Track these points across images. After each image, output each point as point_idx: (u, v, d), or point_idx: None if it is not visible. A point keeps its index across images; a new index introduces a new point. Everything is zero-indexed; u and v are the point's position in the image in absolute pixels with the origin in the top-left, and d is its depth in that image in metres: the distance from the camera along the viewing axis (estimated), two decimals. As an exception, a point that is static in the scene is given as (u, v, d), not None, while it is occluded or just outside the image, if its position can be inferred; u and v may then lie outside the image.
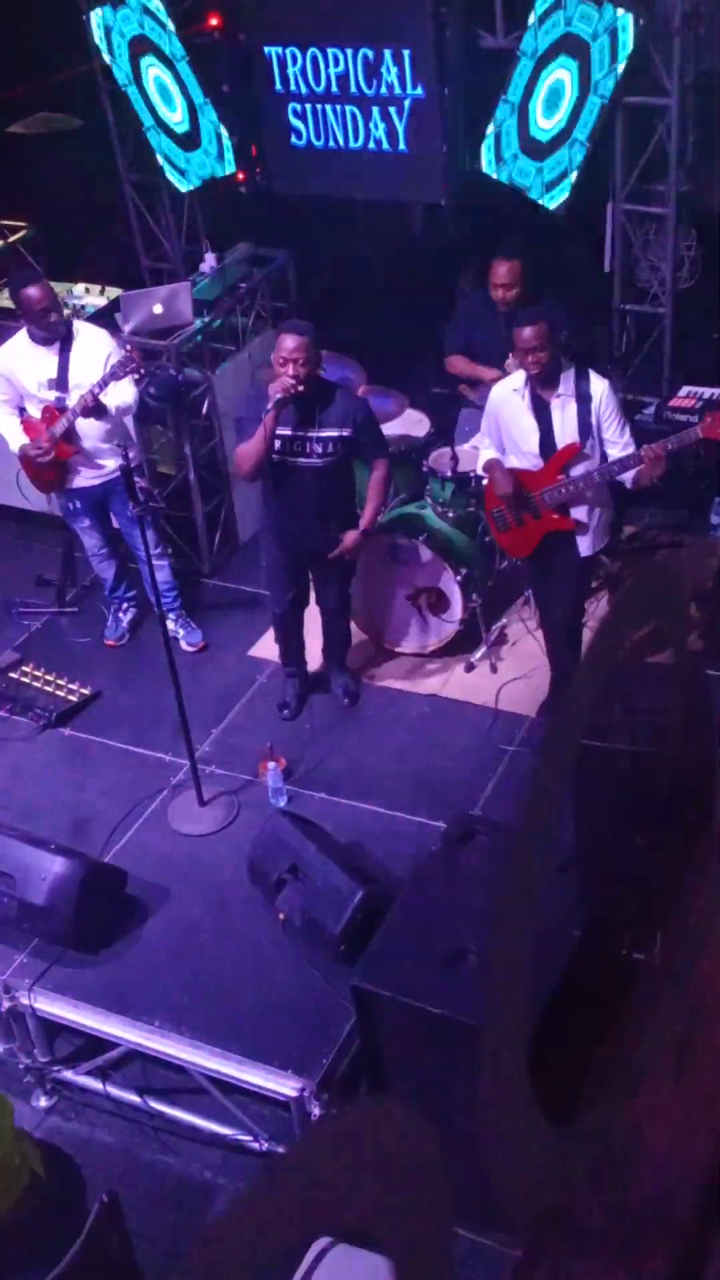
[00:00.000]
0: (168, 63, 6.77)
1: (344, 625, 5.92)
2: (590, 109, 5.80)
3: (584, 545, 5.16)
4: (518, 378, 5.04)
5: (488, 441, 5.30)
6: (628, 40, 5.54)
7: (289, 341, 5.01)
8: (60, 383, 5.73)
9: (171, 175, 7.13)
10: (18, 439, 5.86)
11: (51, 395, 5.75)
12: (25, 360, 5.76)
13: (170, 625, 6.22)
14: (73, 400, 5.67)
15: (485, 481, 5.37)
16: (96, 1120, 4.60)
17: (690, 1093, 1.73)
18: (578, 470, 4.99)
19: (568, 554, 5.19)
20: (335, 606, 5.78)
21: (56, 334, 5.72)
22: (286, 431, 5.18)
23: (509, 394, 5.06)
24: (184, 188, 7.18)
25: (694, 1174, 1.76)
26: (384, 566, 5.93)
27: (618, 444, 4.97)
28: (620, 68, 5.63)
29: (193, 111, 6.87)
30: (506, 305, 6.01)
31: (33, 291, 5.61)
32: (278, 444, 5.19)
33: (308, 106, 6.61)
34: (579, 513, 5.09)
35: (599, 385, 4.93)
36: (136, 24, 6.73)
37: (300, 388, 5.01)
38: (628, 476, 4.95)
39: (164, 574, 6.17)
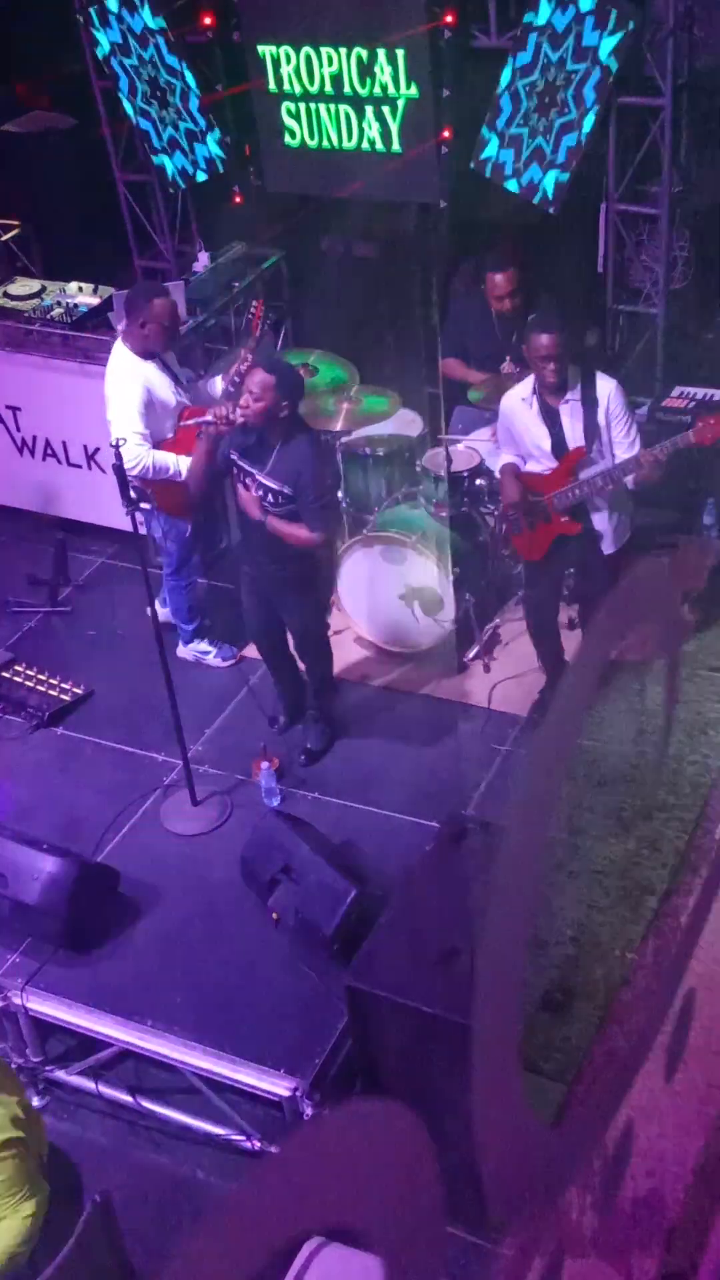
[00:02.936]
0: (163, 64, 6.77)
1: (314, 673, 5.60)
2: (584, 108, 5.81)
3: (606, 544, 5.19)
4: (525, 386, 5.05)
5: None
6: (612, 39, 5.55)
7: (255, 375, 4.87)
8: (178, 385, 5.70)
9: (171, 172, 7.11)
10: (179, 459, 5.53)
11: (185, 398, 5.70)
12: (154, 376, 5.60)
13: (201, 646, 6.22)
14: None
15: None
16: (89, 1120, 4.60)
17: (682, 1093, 1.74)
18: (586, 473, 5.02)
19: (592, 555, 5.20)
20: (300, 648, 5.52)
21: (179, 344, 5.70)
22: (241, 462, 5.04)
23: (518, 403, 5.08)
24: (177, 186, 7.17)
25: (686, 1173, 1.77)
26: (377, 566, 5.93)
27: (623, 444, 5.00)
28: (602, 69, 5.64)
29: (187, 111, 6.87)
30: (506, 313, 6.03)
31: (164, 304, 5.51)
32: (235, 470, 5.06)
33: (301, 106, 6.60)
34: (597, 515, 5.11)
35: (605, 387, 4.94)
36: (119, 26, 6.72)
37: (232, 424, 4.90)
38: (629, 479, 4.99)
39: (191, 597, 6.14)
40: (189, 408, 5.67)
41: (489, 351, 6.15)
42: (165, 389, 5.63)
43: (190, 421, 5.42)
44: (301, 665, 5.65)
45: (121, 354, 5.62)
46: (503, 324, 6.13)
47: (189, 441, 5.47)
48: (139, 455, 5.45)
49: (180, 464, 5.51)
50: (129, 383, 5.54)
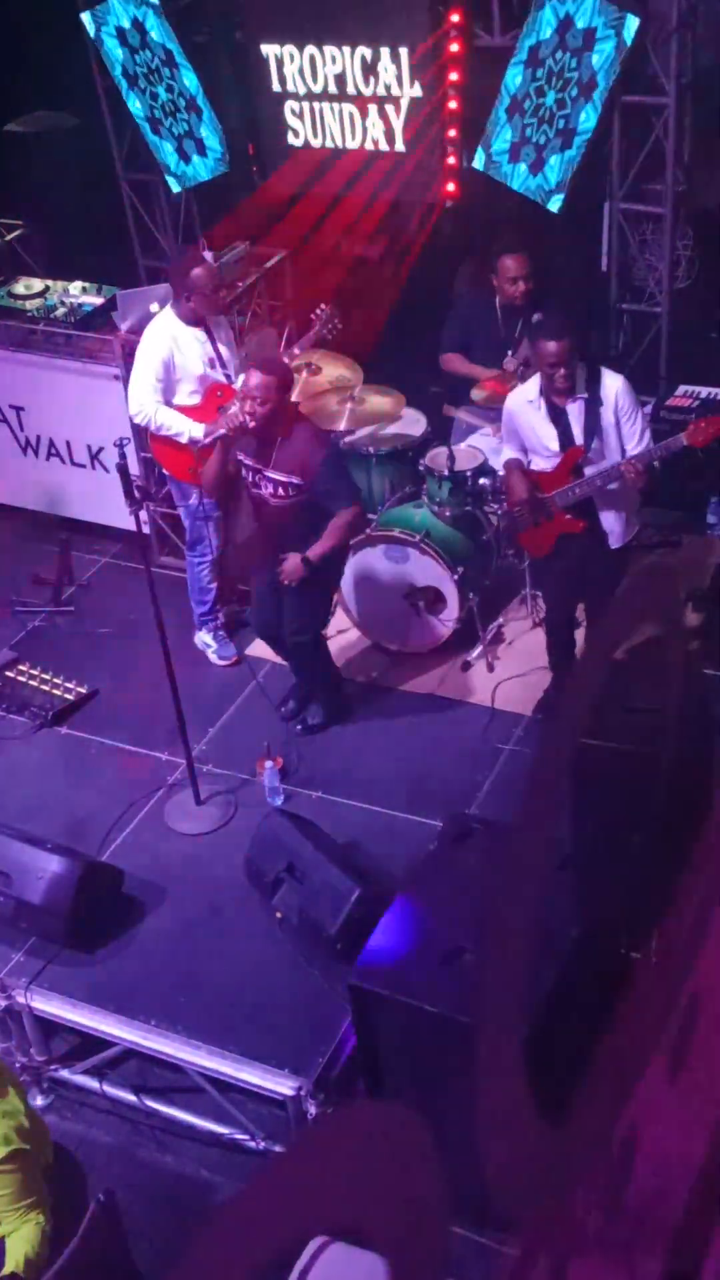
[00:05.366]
0: (165, 61, 6.77)
1: (305, 676, 5.68)
2: (587, 108, 5.81)
3: (614, 539, 5.18)
4: (531, 387, 5.03)
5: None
6: (615, 42, 5.55)
7: (253, 379, 4.91)
8: (220, 360, 5.73)
9: (168, 177, 7.12)
10: (193, 425, 5.60)
11: (220, 374, 5.72)
12: (186, 341, 5.66)
13: (206, 637, 6.23)
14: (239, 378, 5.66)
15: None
16: (93, 1119, 4.60)
17: (687, 1092, 1.74)
18: (587, 471, 5.02)
19: (600, 551, 5.18)
20: (293, 633, 5.49)
21: (223, 309, 5.73)
22: (247, 461, 5.12)
23: (524, 405, 5.07)
24: (176, 188, 7.18)
25: (691, 1174, 1.76)
26: (381, 566, 5.93)
27: (632, 440, 4.98)
28: (610, 70, 5.64)
29: (193, 110, 6.87)
30: (518, 299, 5.99)
31: (202, 272, 5.59)
32: (245, 472, 5.15)
33: (305, 105, 6.61)
34: (604, 512, 5.10)
35: (612, 385, 4.92)
36: (130, 19, 6.72)
37: (250, 426, 4.94)
38: (613, 485, 4.99)
39: (208, 576, 6.13)
40: (217, 383, 5.70)
41: (492, 348, 6.14)
42: (193, 355, 5.67)
43: (212, 437, 5.43)
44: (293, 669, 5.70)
45: (163, 314, 5.75)
46: (506, 319, 6.11)
47: (210, 414, 5.60)
48: (143, 405, 5.61)
49: (191, 430, 5.60)
50: (155, 336, 5.68)
